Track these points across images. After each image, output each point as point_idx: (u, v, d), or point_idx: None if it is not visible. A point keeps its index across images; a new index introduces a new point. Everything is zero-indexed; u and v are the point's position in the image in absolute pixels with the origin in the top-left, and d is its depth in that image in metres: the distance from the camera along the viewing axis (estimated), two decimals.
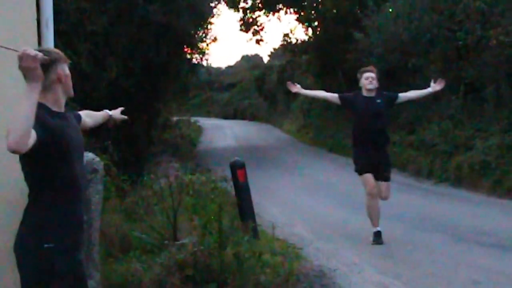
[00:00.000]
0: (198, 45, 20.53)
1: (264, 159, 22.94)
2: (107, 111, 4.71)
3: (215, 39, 22.13)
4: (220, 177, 10.64)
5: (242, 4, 34.45)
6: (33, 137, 3.32)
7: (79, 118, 4.17)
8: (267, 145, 29.68)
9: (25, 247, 3.63)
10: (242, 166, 8.85)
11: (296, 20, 34.03)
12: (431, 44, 18.44)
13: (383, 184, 8.98)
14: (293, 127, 35.95)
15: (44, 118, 3.52)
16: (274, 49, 47.70)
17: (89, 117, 4.40)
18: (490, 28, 15.42)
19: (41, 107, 3.53)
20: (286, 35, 35.28)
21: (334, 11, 28.48)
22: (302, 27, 34.32)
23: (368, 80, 8.89)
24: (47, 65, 3.57)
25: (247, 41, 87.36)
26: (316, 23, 32.55)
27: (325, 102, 14.95)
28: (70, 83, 3.82)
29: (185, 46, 18.89)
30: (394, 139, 16.32)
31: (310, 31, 33.69)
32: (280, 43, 36.97)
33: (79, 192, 3.78)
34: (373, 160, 8.89)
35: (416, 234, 9.41)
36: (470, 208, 12.02)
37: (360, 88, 9.12)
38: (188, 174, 10.08)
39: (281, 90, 43.31)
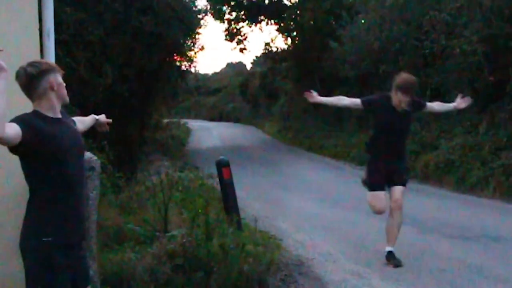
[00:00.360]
0: (187, 53, 20.42)
1: (247, 158, 22.91)
2: (94, 115, 4.74)
3: (202, 48, 22.06)
4: (207, 174, 10.65)
5: (227, 16, 34.56)
6: (16, 132, 3.39)
7: (74, 123, 4.20)
8: (250, 145, 29.64)
9: (26, 241, 3.63)
10: (227, 164, 8.84)
11: (277, 30, 34.23)
12: (400, 52, 18.54)
13: (398, 188, 7.38)
14: (274, 129, 35.94)
15: (34, 121, 3.57)
16: (257, 57, 47.76)
17: (80, 122, 4.44)
18: (454, 38, 15.52)
19: (33, 113, 3.66)
20: (267, 44, 35.50)
21: (312, 22, 28.55)
22: (282, 37, 34.53)
23: (404, 103, 7.33)
24: (38, 75, 3.63)
25: (232, 50, 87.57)
26: (295, 33, 32.66)
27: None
28: (64, 91, 3.82)
29: (175, 54, 18.82)
30: (365, 140, 16.31)
31: (289, 40, 33.87)
32: (262, 51, 37.12)
33: (75, 190, 3.76)
34: (390, 167, 7.40)
35: None
36: (436, 202, 12.10)
37: (389, 89, 7.54)
38: (177, 172, 10.08)
39: (263, 95, 43.47)
